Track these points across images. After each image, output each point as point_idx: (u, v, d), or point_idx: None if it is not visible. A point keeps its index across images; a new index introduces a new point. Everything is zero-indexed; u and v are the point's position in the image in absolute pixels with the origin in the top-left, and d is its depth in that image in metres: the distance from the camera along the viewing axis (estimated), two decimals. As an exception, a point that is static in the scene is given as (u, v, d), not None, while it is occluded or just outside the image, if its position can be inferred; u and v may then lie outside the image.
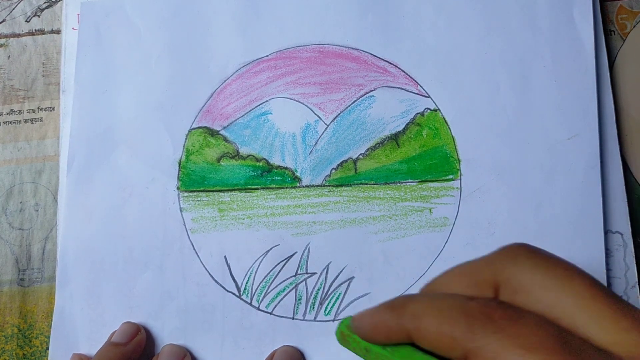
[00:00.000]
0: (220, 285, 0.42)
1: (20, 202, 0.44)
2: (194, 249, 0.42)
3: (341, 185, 0.43)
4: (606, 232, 0.41)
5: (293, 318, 0.41)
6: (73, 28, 0.45)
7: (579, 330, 0.22)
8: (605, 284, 0.40)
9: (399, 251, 0.42)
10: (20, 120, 0.45)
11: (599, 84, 0.43)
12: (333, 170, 0.43)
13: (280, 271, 0.42)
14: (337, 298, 0.41)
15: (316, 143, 0.43)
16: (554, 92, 0.43)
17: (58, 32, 0.46)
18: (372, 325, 0.27)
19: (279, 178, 0.43)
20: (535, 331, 0.22)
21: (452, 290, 0.26)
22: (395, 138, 0.43)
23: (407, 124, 0.43)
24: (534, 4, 0.44)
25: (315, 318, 0.41)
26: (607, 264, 0.41)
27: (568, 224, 0.41)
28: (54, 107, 0.45)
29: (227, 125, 0.44)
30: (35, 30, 0.46)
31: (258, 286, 0.42)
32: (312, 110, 0.44)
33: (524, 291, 0.24)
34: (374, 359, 0.27)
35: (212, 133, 0.44)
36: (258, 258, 0.42)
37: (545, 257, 0.24)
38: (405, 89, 0.44)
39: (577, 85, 0.43)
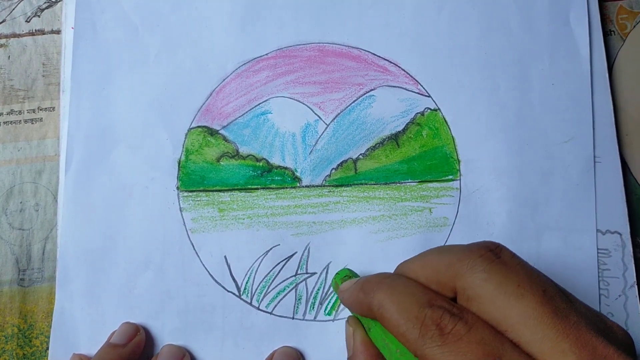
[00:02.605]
0: (220, 285, 0.42)
1: (21, 202, 0.44)
2: (194, 249, 0.42)
3: (341, 186, 0.43)
4: (605, 232, 0.42)
5: (293, 318, 0.41)
6: (72, 28, 0.44)
7: (522, 347, 0.25)
8: (597, 282, 0.41)
9: (399, 251, 0.42)
10: (21, 120, 0.45)
11: (597, 86, 0.43)
12: (333, 170, 0.43)
13: (280, 271, 0.42)
14: (337, 298, 0.41)
15: (316, 143, 0.43)
16: (552, 95, 0.43)
17: (58, 32, 0.46)
18: (350, 301, 0.32)
19: (279, 178, 0.43)
20: (475, 349, 0.25)
21: (420, 278, 0.29)
22: (395, 138, 0.43)
23: (407, 124, 0.43)
24: (532, 6, 0.44)
25: (315, 318, 0.41)
26: (606, 263, 0.41)
27: (563, 225, 0.42)
28: (54, 107, 0.45)
29: (227, 125, 0.44)
30: (35, 30, 0.46)
31: (258, 286, 0.42)
32: (312, 110, 0.44)
33: (476, 302, 0.27)
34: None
35: (212, 132, 0.43)
36: (258, 258, 0.42)
37: (501, 270, 0.27)
38: (405, 88, 0.44)
39: (574, 89, 0.43)
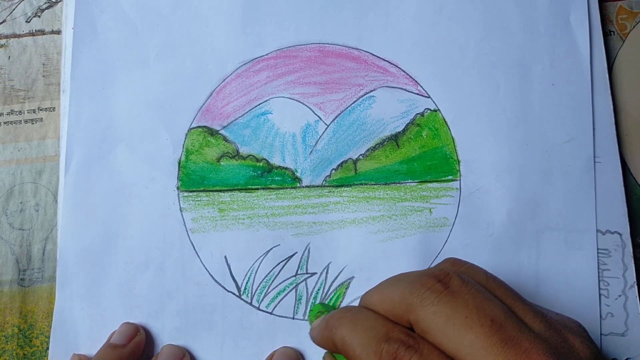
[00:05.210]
0: (220, 285, 0.42)
1: (21, 203, 0.44)
2: (194, 249, 0.42)
3: (341, 186, 0.43)
4: (605, 232, 0.42)
5: (293, 318, 0.41)
6: (72, 28, 0.44)
7: None
8: (597, 282, 0.41)
9: (398, 251, 0.42)
10: (21, 121, 0.45)
11: (597, 86, 0.43)
12: (333, 171, 0.43)
13: (280, 271, 0.42)
14: (337, 298, 0.41)
15: (316, 143, 0.43)
16: (552, 96, 0.43)
17: (58, 32, 0.46)
18: (318, 339, 0.33)
19: (279, 178, 0.43)
20: None
21: (380, 310, 0.30)
22: (395, 138, 0.43)
23: (407, 125, 0.43)
24: (532, 6, 0.44)
25: (315, 318, 0.41)
26: (606, 263, 0.41)
27: (563, 225, 0.42)
28: (54, 108, 0.45)
29: (227, 125, 0.44)
30: (35, 30, 0.46)
31: (258, 286, 0.42)
32: (312, 110, 0.44)
33: (430, 334, 0.28)
34: None
35: (212, 132, 0.43)
36: (258, 258, 0.42)
37: (449, 302, 0.28)
38: (405, 89, 0.44)
39: (574, 90, 0.43)
